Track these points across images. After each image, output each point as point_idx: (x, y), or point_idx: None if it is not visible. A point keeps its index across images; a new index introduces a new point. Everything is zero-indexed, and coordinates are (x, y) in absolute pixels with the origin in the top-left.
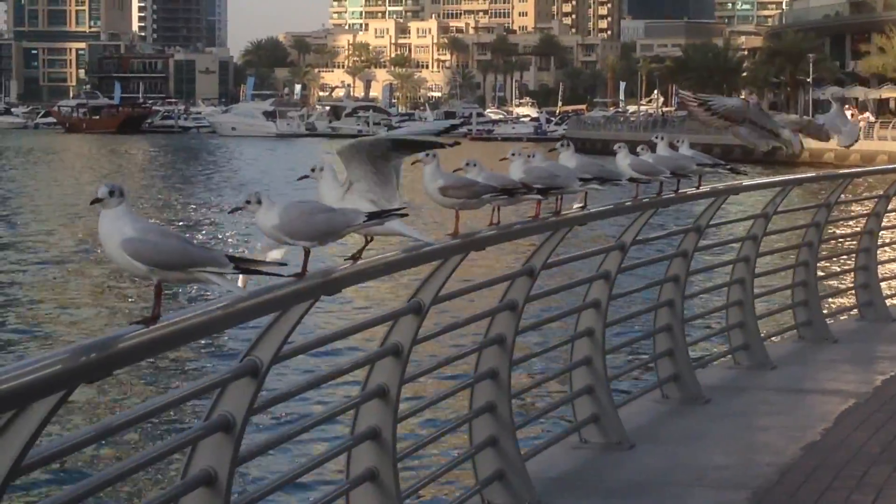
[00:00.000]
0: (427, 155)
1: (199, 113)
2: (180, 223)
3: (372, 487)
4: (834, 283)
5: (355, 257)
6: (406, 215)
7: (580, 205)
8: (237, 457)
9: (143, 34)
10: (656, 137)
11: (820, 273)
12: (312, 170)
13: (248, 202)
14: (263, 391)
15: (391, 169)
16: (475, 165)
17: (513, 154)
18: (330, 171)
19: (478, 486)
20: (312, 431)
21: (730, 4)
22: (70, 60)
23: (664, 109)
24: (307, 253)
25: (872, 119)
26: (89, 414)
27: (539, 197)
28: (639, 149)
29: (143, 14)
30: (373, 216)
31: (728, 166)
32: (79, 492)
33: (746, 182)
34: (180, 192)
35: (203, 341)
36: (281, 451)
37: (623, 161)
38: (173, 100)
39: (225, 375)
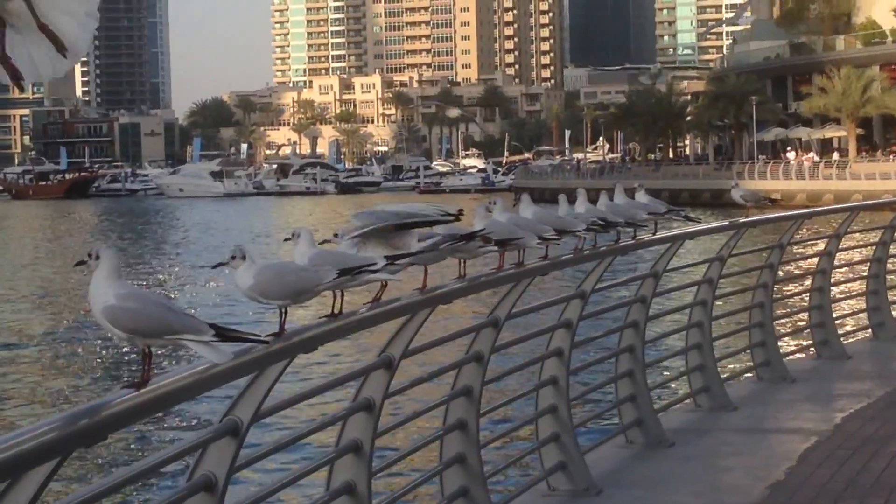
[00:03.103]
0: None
1: (147, 175)
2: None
3: None
4: (790, 322)
5: (333, 315)
6: (376, 271)
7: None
8: None
9: (87, 98)
10: (615, 184)
11: (776, 313)
12: (292, 236)
13: (232, 257)
14: (244, 449)
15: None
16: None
17: (484, 208)
18: (307, 236)
19: None
20: (291, 487)
21: (671, 50)
22: (14, 127)
23: (610, 156)
24: (283, 312)
25: (817, 159)
26: (74, 479)
27: (497, 249)
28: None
29: (86, 78)
30: (343, 273)
31: (682, 214)
32: None
33: (701, 227)
34: (134, 255)
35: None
36: None
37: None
38: (119, 163)
39: (206, 436)
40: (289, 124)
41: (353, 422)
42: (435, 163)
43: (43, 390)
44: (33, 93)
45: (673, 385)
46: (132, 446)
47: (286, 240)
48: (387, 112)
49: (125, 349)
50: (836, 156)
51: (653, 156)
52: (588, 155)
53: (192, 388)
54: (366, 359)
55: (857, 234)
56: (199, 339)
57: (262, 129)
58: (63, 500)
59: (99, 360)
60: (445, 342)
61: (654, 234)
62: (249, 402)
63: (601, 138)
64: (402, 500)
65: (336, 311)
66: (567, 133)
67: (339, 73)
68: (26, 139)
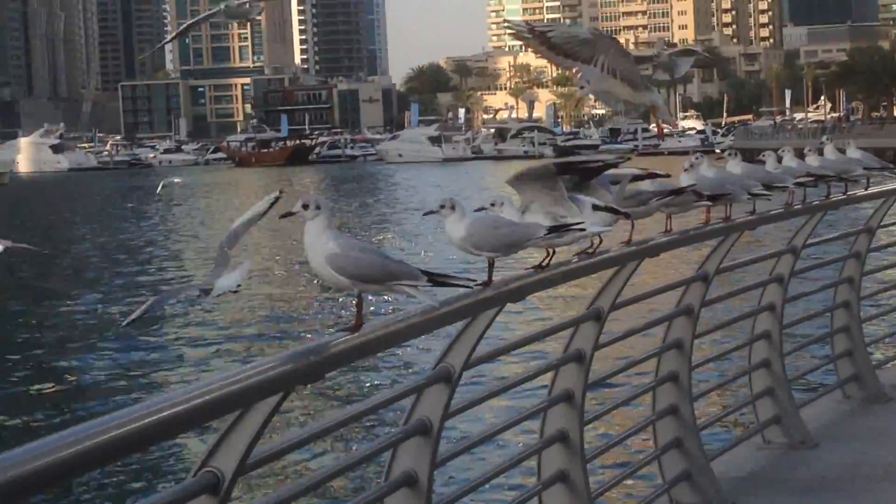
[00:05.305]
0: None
1: (369, 143)
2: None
3: (563, 488)
4: None
5: (541, 267)
6: (584, 230)
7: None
8: (435, 459)
9: (305, 66)
10: (825, 140)
11: None
12: (492, 204)
13: (442, 206)
14: (456, 396)
15: (561, 187)
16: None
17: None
18: (509, 204)
19: (665, 486)
20: (503, 434)
21: (894, 6)
22: (236, 96)
23: (832, 115)
24: (492, 264)
25: None
26: (295, 418)
27: (709, 203)
28: (806, 150)
29: (304, 46)
30: (553, 230)
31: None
32: (295, 491)
33: None
34: (358, 217)
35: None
36: (475, 454)
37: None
38: (339, 130)
39: (421, 381)
40: (505, 88)
41: (565, 372)
42: (653, 125)
43: (260, 334)
44: (254, 62)
45: (890, 341)
46: (348, 388)
47: (479, 210)
48: None
49: (327, 297)
50: None
51: (877, 114)
52: (809, 114)
53: (404, 333)
54: (575, 311)
55: None
56: (414, 283)
57: (478, 93)
58: (287, 436)
59: (309, 308)
60: (654, 295)
61: (866, 189)
62: (461, 350)
63: (822, 97)
64: (614, 449)
65: (545, 263)
66: (787, 93)
67: None
68: (248, 107)
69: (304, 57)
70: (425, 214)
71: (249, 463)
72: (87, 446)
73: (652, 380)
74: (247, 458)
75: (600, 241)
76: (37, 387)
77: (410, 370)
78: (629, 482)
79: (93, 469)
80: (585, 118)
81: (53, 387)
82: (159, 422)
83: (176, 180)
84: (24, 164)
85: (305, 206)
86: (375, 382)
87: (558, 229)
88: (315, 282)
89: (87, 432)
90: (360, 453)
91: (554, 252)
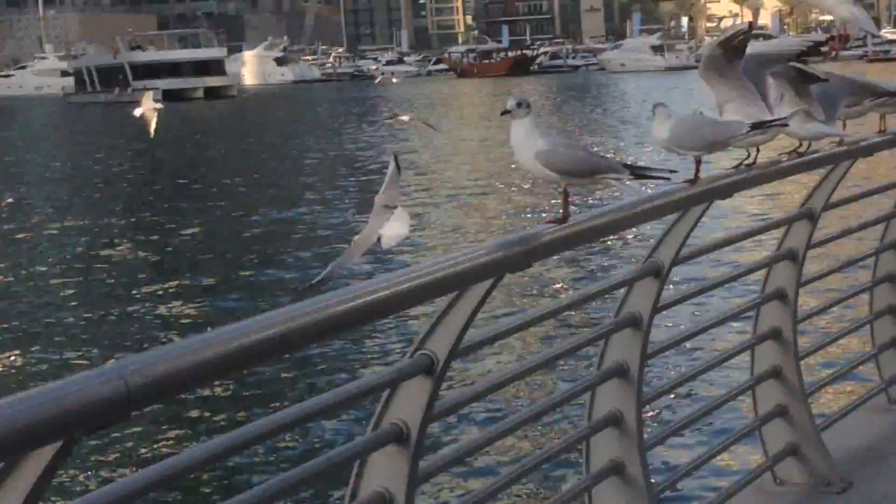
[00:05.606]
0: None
1: (591, 52)
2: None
3: (776, 384)
4: None
5: (748, 165)
6: (787, 125)
7: None
8: (646, 352)
9: None
10: None
11: None
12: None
13: (652, 113)
14: (666, 291)
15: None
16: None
17: None
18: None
19: (883, 385)
20: (713, 330)
21: None
22: (457, 7)
23: None
24: (698, 161)
25: None
26: (508, 307)
27: None
28: None
29: None
30: (755, 126)
31: None
32: (506, 377)
33: None
34: (578, 124)
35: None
36: (685, 349)
37: None
38: (560, 40)
39: (631, 275)
40: None
41: (777, 270)
42: (882, 30)
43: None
44: None
45: None
46: (557, 280)
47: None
48: None
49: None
50: None
51: None
52: None
53: (610, 226)
54: (783, 211)
55: None
56: (618, 176)
57: (702, 1)
58: (499, 323)
59: (518, 202)
60: (869, 196)
61: None
62: (671, 245)
63: None
64: (829, 348)
65: (752, 161)
66: None
67: None
68: (468, 19)
69: None
70: (647, 119)
71: (462, 347)
72: (315, 318)
73: (869, 279)
74: (460, 341)
75: (809, 144)
76: (255, 289)
77: (618, 264)
78: (844, 381)
79: (321, 340)
80: (813, 25)
81: (269, 283)
82: (379, 300)
83: (403, 118)
84: (249, 77)
85: (519, 105)
86: (583, 275)
87: (761, 126)
88: (523, 176)
89: (316, 306)
90: (569, 343)
91: (758, 150)
